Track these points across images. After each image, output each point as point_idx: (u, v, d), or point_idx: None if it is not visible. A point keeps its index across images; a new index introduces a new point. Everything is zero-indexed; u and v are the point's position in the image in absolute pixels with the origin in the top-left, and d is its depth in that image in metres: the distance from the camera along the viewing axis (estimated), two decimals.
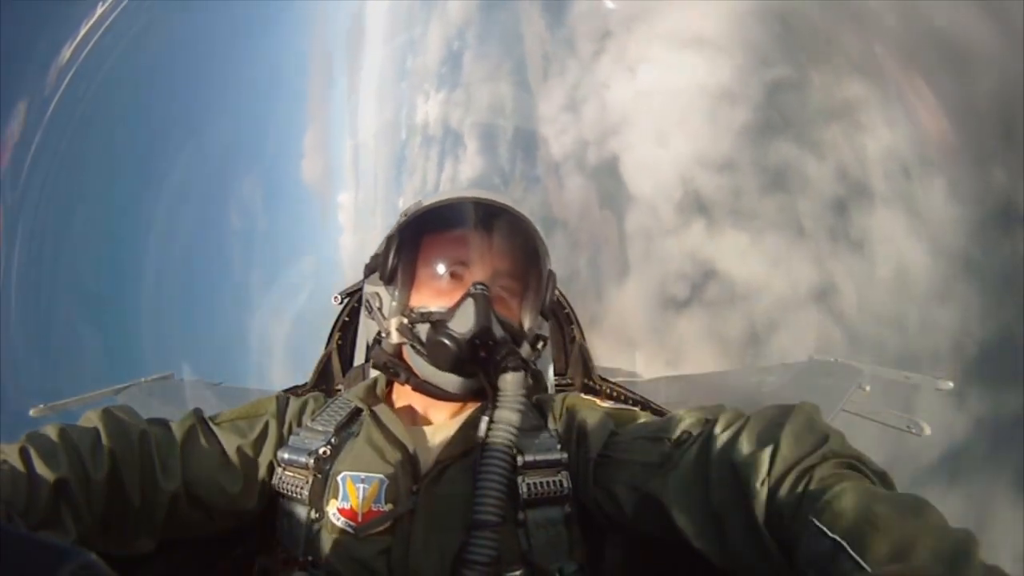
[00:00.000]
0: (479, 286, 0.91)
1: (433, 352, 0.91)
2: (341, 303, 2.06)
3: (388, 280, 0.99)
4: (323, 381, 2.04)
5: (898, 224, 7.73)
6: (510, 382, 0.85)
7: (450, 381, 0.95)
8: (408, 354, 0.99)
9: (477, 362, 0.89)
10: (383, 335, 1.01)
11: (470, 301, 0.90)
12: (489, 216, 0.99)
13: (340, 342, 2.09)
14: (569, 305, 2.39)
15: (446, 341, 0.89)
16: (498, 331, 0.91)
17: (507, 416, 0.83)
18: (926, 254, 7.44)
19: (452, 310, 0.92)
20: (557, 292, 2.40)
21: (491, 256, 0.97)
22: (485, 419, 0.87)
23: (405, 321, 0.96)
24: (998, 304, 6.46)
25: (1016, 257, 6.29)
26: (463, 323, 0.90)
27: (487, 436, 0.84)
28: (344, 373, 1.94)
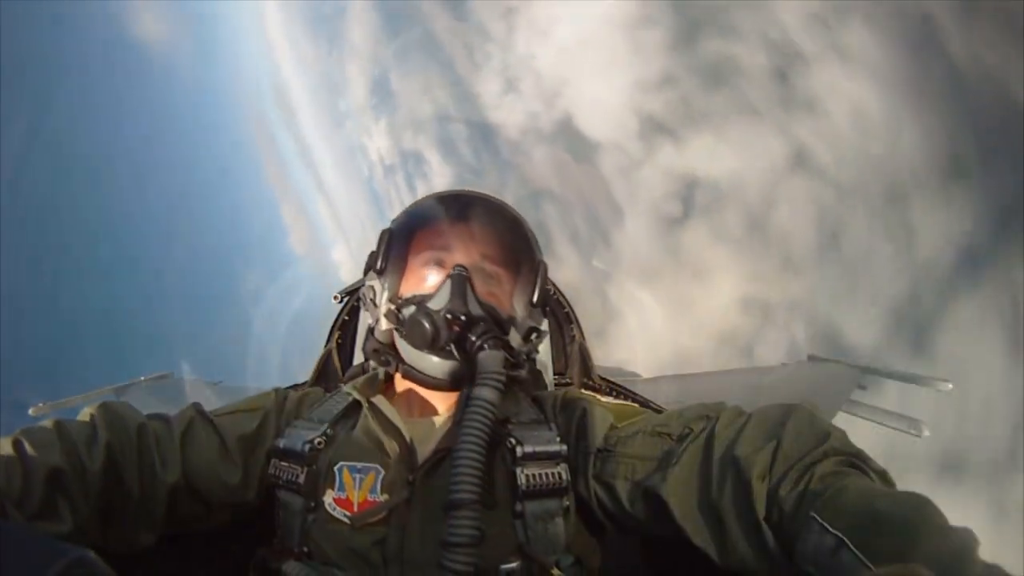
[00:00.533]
0: (458, 267, 0.94)
1: (411, 331, 0.92)
2: (341, 302, 2.06)
3: (380, 272, 1.02)
4: (323, 380, 2.03)
5: (838, 72, 8.25)
6: (485, 359, 0.85)
7: (432, 365, 0.95)
8: (396, 341, 1.00)
9: (452, 340, 0.91)
10: (373, 323, 1.04)
11: (448, 281, 0.93)
12: (471, 204, 1.04)
13: (340, 341, 2.09)
14: (569, 304, 2.39)
15: (421, 318, 0.90)
16: (475, 309, 0.92)
17: (482, 393, 0.81)
18: (872, 91, 7.95)
19: (433, 293, 0.95)
20: (557, 292, 2.42)
21: (473, 241, 0.99)
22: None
23: (393, 307, 0.98)
24: (946, 113, 7.11)
25: (952, 68, 6.84)
26: (439, 301, 0.92)
27: (463, 415, 0.81)
28: (344, 372, 1.94)
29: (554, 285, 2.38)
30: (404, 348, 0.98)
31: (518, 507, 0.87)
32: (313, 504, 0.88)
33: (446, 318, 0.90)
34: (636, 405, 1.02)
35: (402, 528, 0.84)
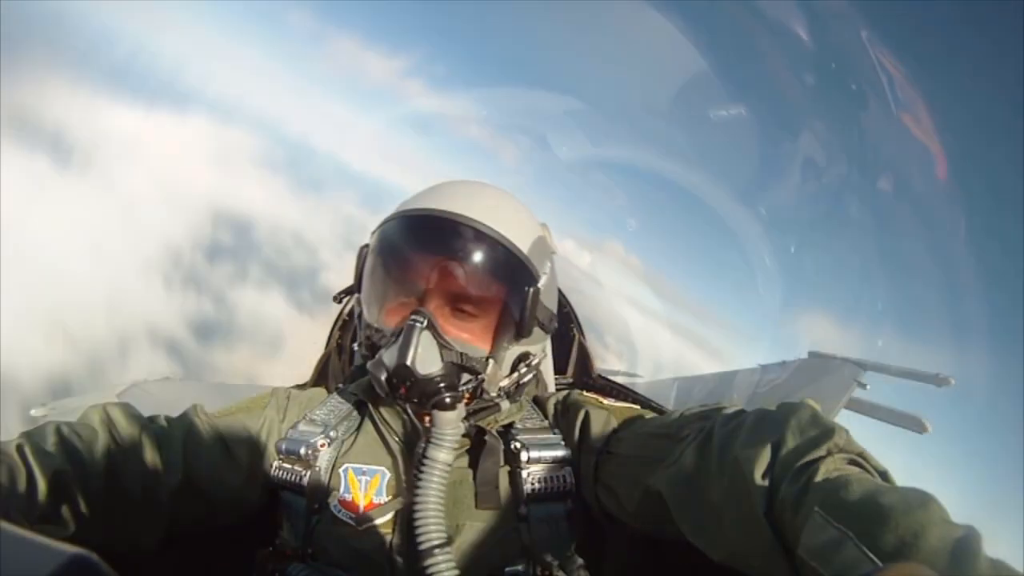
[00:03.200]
0: (415, 316, 0.84)
1: (373, 382, 0.88)
2: (340, 302, 2.06)
3: (357, 291, 0.98)
4: (323, 380, 2.03)
5: None
6: (441, 419, 0.84)
7: None
8: None
9: (403, 399, 0.87)
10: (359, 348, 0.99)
11: (401, 333, 0.84)
12: (446, 234, 0.87)
13: (340, 341, 2.09)
14: (569, 304, 2.39)
15: (378, 374, 0.84)
16: (425, 366, 0.83)
17: (439, 456, 0.83)
18: None
19: (391, 336, 0.87)
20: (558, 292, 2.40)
21: (442, 280, 0.87)
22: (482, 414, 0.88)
23: (364, 337, 0.93)
24: None
25: None
26: (390, 356, 0.84)
27: (417, 475, 0.83)
28: (344, 372, 1.94)
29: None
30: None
31: (523, 510, 0.87)
32: (317, 506, 0.88)
33: (393, 379, 0.84)
34: (637, 406, 1.01)
35: (407, 529, 0.84)
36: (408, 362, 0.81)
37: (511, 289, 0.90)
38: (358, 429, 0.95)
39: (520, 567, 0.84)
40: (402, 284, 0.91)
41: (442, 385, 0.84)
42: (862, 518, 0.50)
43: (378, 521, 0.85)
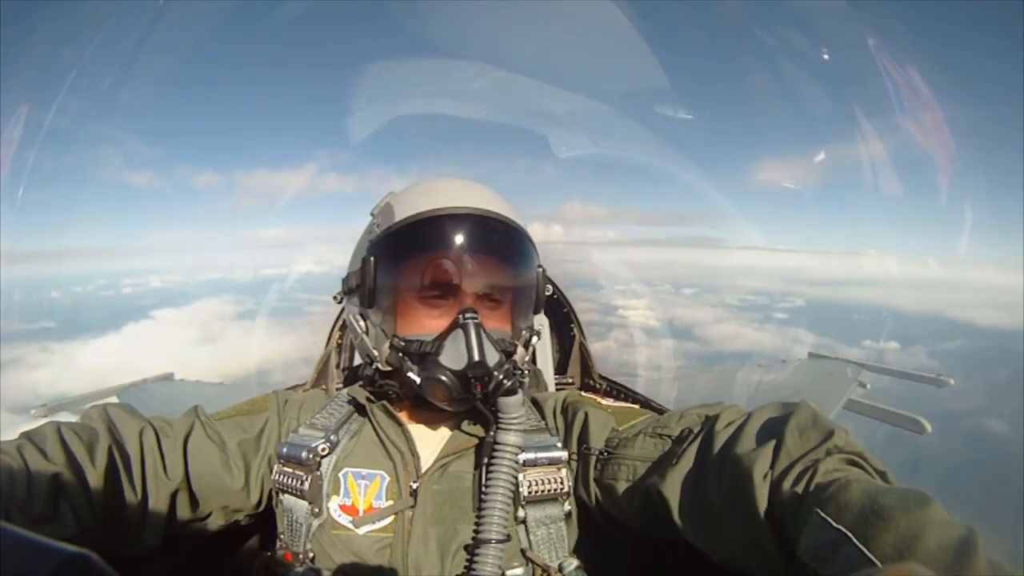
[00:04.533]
0: (468, 314, 0.85)
1: (429, 389, 0.86)
2: (341, 302, 2.06)
3: (369, 304, 0.92)
4: (322, 381, 2.04)
5: None
6: (509, 404, 0.85)
7: (447, 406, 0.91)
8: (405, 372, 0.91)
9: (474, 395, 0.86)
10: (371, 354, 0.95)
11: (459, 333, 0.85)
12: (471, 229, 0.89)
13: (340, 342, 2.09)
14: (569, 304, 2.39)
15: (441, 378, 0.84)
16: (491, 359, 0.85)
17: (507, 439, 0.85)
18: None
19: (441, 341, 0.86)
20: (558, 292, 2.41)
21: (478, 274, 0.89)
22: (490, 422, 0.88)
23: (393, 351, 0.90)
24: None
25: None
26: (454, 358, 0.84)
27: (491, 460, 0.85)
28: (344, 373, 1.94)
29: (554, 285, 2.38)
30: (416, 383, 0.89)
31: (520, 513, 0.87)
32: (318, 510, 0.88)
33: (468, 377, 0.84)
34: (636, 406, 1.01)
35: (406, 534, 0.85)
36: (478, 358, 0.83)
37: (529, 271, 0.97)
38: (357, 433, 0.95)
39: (519, 570, 0.84)
40: (437, 287, 0.89)
41: (502, 373, 0.85)
42: (862, 519, 0.50)
43: (378, 525, 0.86)
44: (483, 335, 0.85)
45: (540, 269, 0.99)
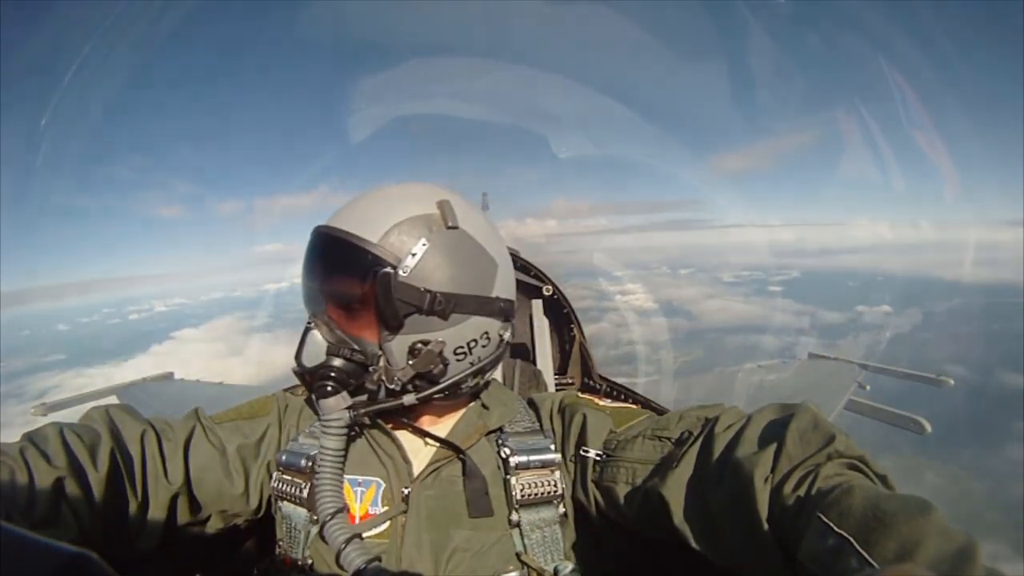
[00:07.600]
0: (308, 320, 0.90)
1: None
2: None
3: None
4: None
5: None
6: (324, 407, 0.87)
7: None
8: None
9: (312, 392, 0.90)
10: None
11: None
12: (311, 244, 0.91)
13: None
14: (569, 305, 2.39)
15: (300, 375, 0.91)
16: (309, 361, 0.88)
17: (328, 444, 0.87)
18: None
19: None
20: (558, 292, 2.41)
21: (316, 286, 0.90)
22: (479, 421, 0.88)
23: None
24: None
25: None
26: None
27: (314, 465, 0.89)
28: None
29: (554, 285, 2.38)
30: None
31: (514, 517, 0.87)
32: (316, 517, 0.88)
33: (301, 375, 0.90)
34: (635, 407, 1.00)
35: (400, 538, 0.85)
36: (296, 359, 0.89)
37: (362, 280, 0.85)
38: (354, 440, 0.95)
39: (514, 574, 0.84)
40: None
41: (325, 376, 0.86)
42: (864, 524, 0.50)
43: (374, 531, 0.86)
44: (309, 340, 0.88)
45: (379, 274, 0.83)
